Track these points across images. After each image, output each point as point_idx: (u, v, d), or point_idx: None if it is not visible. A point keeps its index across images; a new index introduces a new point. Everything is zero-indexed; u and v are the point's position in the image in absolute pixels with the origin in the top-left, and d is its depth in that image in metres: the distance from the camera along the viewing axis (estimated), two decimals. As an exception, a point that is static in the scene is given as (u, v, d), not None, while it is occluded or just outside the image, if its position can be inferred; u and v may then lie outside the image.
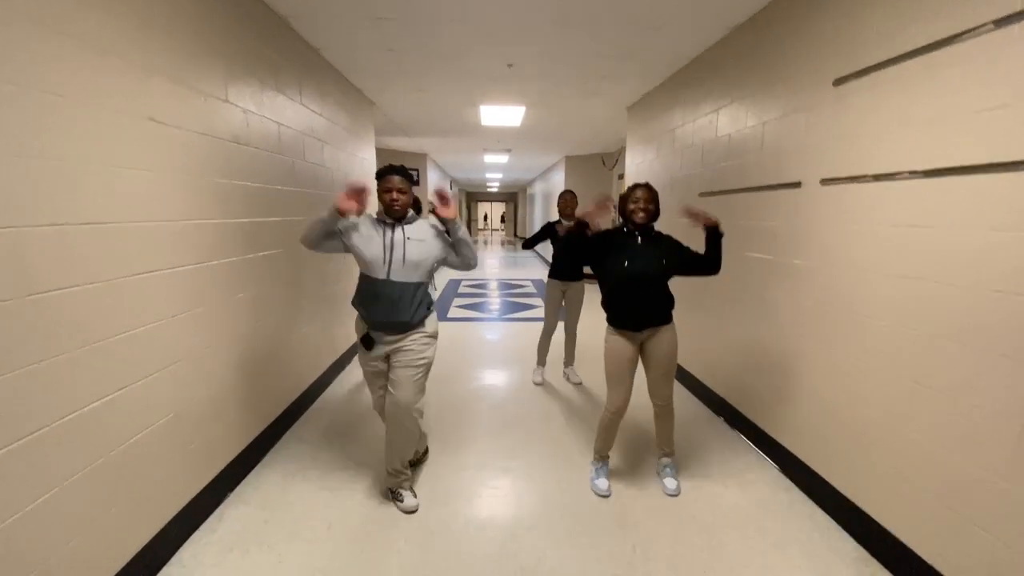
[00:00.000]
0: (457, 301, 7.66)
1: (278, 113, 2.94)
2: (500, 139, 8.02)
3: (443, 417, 3.31)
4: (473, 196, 27.13)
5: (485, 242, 23.60)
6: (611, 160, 9.13)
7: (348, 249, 2.21)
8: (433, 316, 2.33)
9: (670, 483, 2.47)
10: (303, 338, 3.33)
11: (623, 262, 2.31)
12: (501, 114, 5.86)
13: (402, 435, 2.26)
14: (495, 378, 4.15)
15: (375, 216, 2.26)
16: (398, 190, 2.15)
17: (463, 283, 9.57)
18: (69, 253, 1.50)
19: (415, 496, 2.33)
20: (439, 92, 4.87)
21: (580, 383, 3.93)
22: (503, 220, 31.96)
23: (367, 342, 2.24)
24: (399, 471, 2.32)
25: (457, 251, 2.28)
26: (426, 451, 2.73)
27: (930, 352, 1.75)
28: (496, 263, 13.77)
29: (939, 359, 1.72)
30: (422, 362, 2.24)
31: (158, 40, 1.88)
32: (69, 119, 1.50)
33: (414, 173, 9.73)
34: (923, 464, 1.79)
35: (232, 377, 2.44)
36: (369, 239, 2.18)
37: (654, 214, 2.34)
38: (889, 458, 1.94)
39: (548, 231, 3.88)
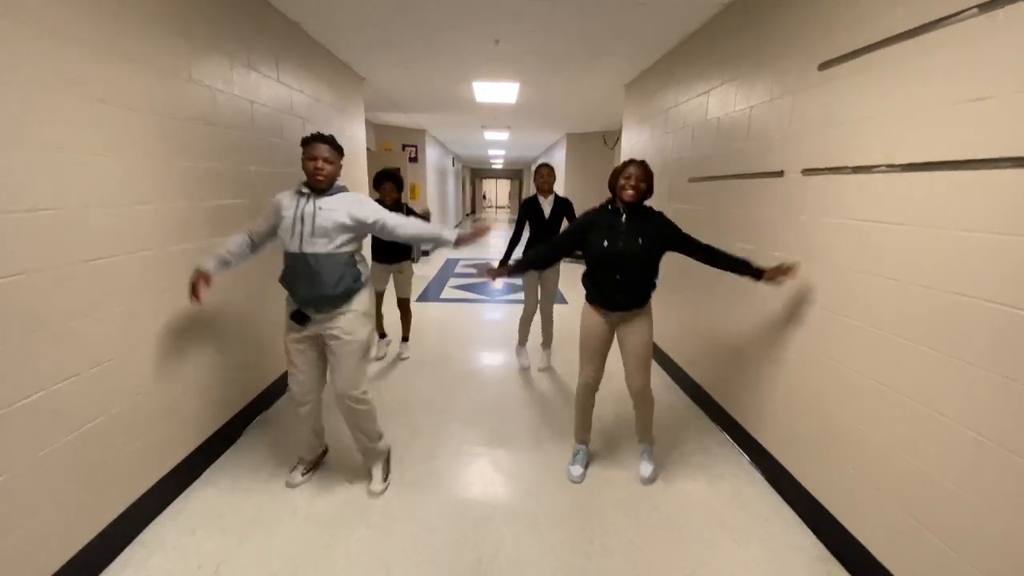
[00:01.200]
0: (452, 281, 7.63)
1: (251, 91, 2.87)
2: (498, 116, 7.85)
3: (423, 402, 3.31)
4: (477, 173, 26.82)
5: (494, 219, 23.42)
6: (612, 139, 8.93)
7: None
8: (363, 294, 2.21)
9: (645, 468, 2.48)
10: (278, 322, 3.30)
11: (602, 241, 2.25)
12: (495, 91, 5.70)
13: (356, 416, 2.26)
14: (480, 362, 4.14)
15: (296, 188, 2.15)
16: (324, 159, 2.06)
17: (460, 263, 9.52)
18: (13, 240, 1.47)
19: (384, 480, 2.36)
20: (428, 68, 4.73)
21: (547, 368, 3.91)
22: (510, 197, 31.62)
23: (299, 317, 2.16)
24: (369, 448, 2.35)
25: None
26: (325, 451, 2.60)
27: (895, 354, 1.70)
28: (501, 243, 13.67)
29: (904, 362, 1.67)
30: (356, 344, 2.18)
31: (107, 17, 1.81)
32: (6, 103, 1.45)
33: (412, 149, 9.59)
34: (884, 467, 1.76)
35: (201, 362, 2.44)
36: (286, 209, 2.10)
37: (645, 193, 2.26)
38: (852, 458, 1.91)
39: (528, 209, 3.75)
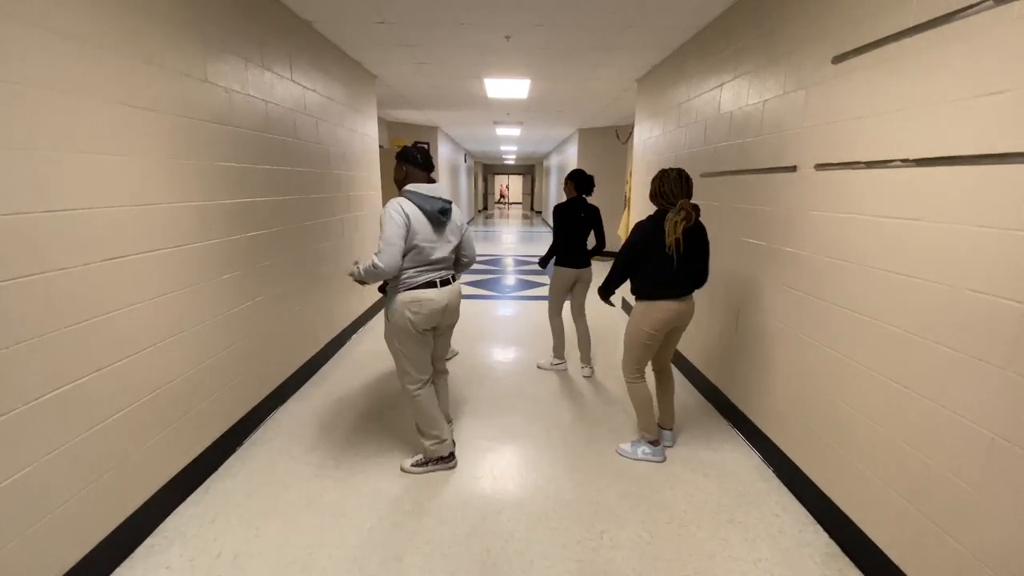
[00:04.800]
0: (464, 278, 7.66)
1: (265, 91, 2.91)
2: (510, 112, 7.84)
3: (433, 396, 3.35)
4: (490, 169, 26.82)
5: (504, 216, 23.45)
6: (625, 134, 8.87)
7: None
8: (392, 301, 2.30)
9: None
10: (296, 317, 3.38)
11: None
12: (506, 87, 5.70)
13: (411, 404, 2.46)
14: (492, 358, 4.17)
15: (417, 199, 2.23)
16: None
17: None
18: (35, 240, 1.52)
19: (413, 464, 2.50)
20: (440, 65, 4.75)
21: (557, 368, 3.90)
22: (502, 198, 31.76)
23: None
24: (423, 443, 2.47)
25: None
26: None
27: (908, 351, 1.68)
28: (513, 238, 13.70)
29: (917, 359, 1.65)
30: (390, 348, 2.40)
31: (126, 21, 1.86)
32: (32, 108, 1.50)
33: (425, 145, 9.62)
34: (896, 464, 1.74)
35: (219, 357, 2.50)
36: None
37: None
38: (865, 455, 1.90)
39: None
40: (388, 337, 2.37)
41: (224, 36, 2.50)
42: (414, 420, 2.47)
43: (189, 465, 2.28)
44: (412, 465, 2.49)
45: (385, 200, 3.83)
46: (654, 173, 4.60)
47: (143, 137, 1.96)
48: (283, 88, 3.15)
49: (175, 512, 2.16)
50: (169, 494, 2.15)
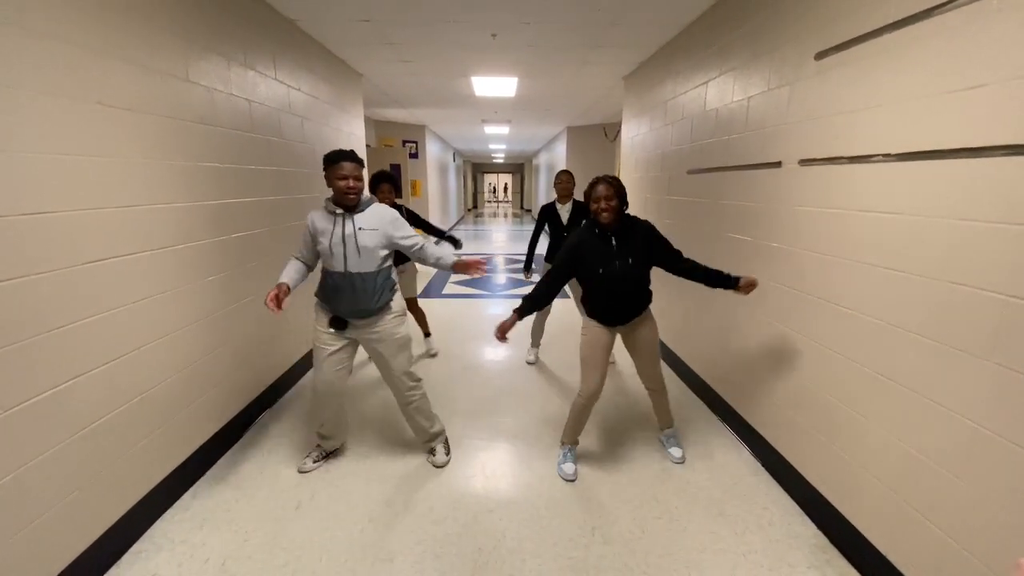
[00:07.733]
0: (455, 277, 7.64)
1: (248, 90, 2.88)
2: (497, 110, 7.82)
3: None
4: (479, 168, 26.77)
5: (493, 214, 23.44)
6: (613, 131, 8.90)
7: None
8: (397, 295, 2.40)
9: (675, 451, 2.60)
10: (285, 317, 3.34)
11: (598, 269, 2.26)
12: (494, 85, 5.69)
13: (417, 400, 2.47)
14: (482, 357, 4.16)
15: (325, 207, 2.25)
16: (354, 178, 2.15)
17: (462, 258, 9.53)
18: (14, 243, 1.49)
19: (447, 453, 2.59)
20: (425, 63, 4.73)
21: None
22: (505, 190, 31.98)
23: (339, 324, 2.29)
24: (435, 433, 2.57)
25: (421, 258, 2.35)
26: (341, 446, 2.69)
27: (893, 344, 1.70)
28: (503, 237, 13.68)
29: (902, 352, 1.67)
30: (402, 340, 2.38)
31: (104, 19, 1.82)
32: (9, 109, 1.47)
33: (412, 145, 9.59)
34: (881, 455, 1.77)
35: (205, 360, 2.47)
36: (324, 232, 2.20)
37: (619, 209, 2.24)
38: (851, 447, 1.92)
39: (546, 216, 3.78)
40: (406, 330, 2.41)
41: (206, 34, 2.46)
42: (424, 415, 2.52)
43: (176, 469, 2.24)
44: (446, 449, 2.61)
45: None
46: (643, 170, 4.64)
47: (124, 138, 1.93)
48: (267, 87, 3.11)
49: (162, 518, 2.13)
50: (156, 499, 2.12)
